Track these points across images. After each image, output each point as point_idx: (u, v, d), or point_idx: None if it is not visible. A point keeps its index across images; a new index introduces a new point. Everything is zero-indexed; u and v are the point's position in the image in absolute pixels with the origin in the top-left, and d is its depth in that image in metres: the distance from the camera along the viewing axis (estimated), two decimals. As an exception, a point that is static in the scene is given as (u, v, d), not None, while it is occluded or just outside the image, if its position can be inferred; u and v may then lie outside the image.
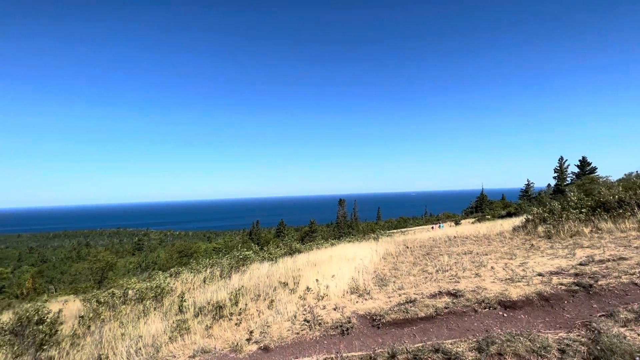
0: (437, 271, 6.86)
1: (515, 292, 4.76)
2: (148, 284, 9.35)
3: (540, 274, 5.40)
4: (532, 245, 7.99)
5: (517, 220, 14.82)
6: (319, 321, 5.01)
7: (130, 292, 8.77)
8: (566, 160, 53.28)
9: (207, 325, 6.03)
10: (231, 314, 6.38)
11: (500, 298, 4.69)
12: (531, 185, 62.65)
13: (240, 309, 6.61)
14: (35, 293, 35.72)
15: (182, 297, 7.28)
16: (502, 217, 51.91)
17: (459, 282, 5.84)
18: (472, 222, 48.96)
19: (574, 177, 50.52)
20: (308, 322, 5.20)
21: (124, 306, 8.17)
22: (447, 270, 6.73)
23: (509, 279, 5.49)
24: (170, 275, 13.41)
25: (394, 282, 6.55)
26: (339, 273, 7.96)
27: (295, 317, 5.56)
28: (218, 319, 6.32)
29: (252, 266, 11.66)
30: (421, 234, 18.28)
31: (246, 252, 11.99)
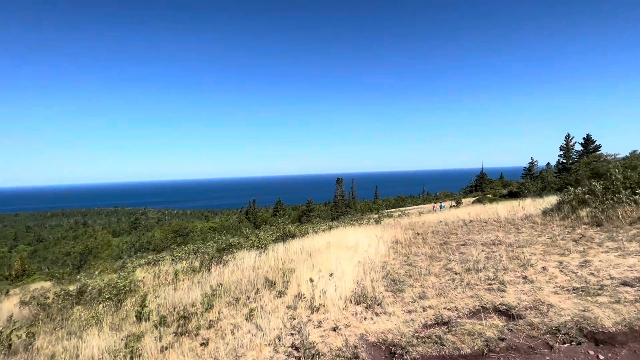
0: (466, 271, 5.29)
1: (605, 315, 3.18)
2: (113, 278, 7.85)
3: (625, 283, 3.82)
4: (582, 235, 6.41)
5: (536, 203, 13.28)
6: (313, 352, 3.45)
7: (93, 286, 7.25)
8: (573, 137, 51.47)
9: (163, 346, 4.50)
10: (198, 327, 4.85)
11: (584, 325, 3.11)
12: (535, 163, 61.06)
13: (211, 320, 5.07)
14: (25, 274, 34.58)
15: (143, 301, 5.76)
16: (503, 196, 50.70)
17: (504, 290, 4.26)
18: (472, 202, 47.74)
19: (577, 155, 48.93)
20: (297, 350, 3.65)
21: (77, 307, 6.67)
22: (481, 270, 5.16)
23: (578, 288, 3.91)
24: (148, 264, 11.96)
25: (412, 285, 4.98)
26: (339, 269, 6.42)
27: (279, 339, 4.00)
28: (181, 334, 4.80)
29: (238, 254, 10.14)
30: (428, 216, 16.78)
31: (231, 240, 10.43)
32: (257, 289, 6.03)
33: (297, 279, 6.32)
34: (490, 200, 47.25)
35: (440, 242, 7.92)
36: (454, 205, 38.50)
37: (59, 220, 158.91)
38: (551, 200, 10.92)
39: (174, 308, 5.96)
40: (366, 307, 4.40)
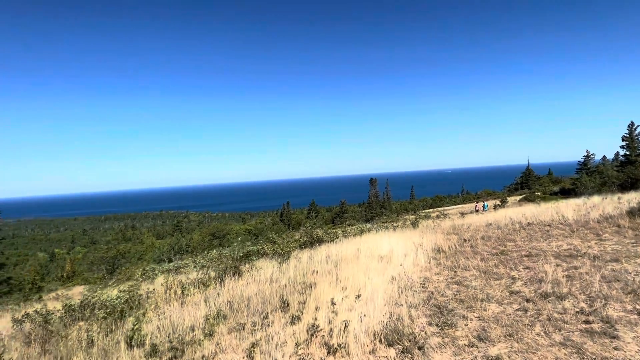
0: (542, 297, 3.84)
1: None
2: (114, 292, 7.24)
3: None
4: None
5: (604, 202, 11.06)
6: None
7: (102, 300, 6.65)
8: (637, 126, 45.56)
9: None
10: (189, 364, 3.89)
11: None
12: (591, 156, 55.02)
13: (204, 356, 4.08)
14: (75, 276, 36.63)
15: (135, 325, 4.93)
16: (554, 193, 46.13)
17: (615, 335, 2.82)
18: (519, 200, 43.79)
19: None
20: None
21: (80, 324, 6.05)
22: (565, 297, 3.69)
23: None
24: (169, 271, 11.45)
25: (466, 317, 3.64)
26: (368, 286, 5.20)
27: (281, 396, 2.88)
28: (169, 371, 3.88)
29: (258, 263, 9.22)
30: (472, 218, 14.92)
31: (250, 247, 9.53)
32: (266, 314, 4.96)
33: (317, 299, 5.19)
34: (541, 199, 43.09)
35: (495, 252, 6.40)
36: (498, 205, 35.21)
37: (111, 223, 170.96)
38: (632, 197, 8.84)
39: (173, 331, 5.09)
40: (402, 352, 3.15)
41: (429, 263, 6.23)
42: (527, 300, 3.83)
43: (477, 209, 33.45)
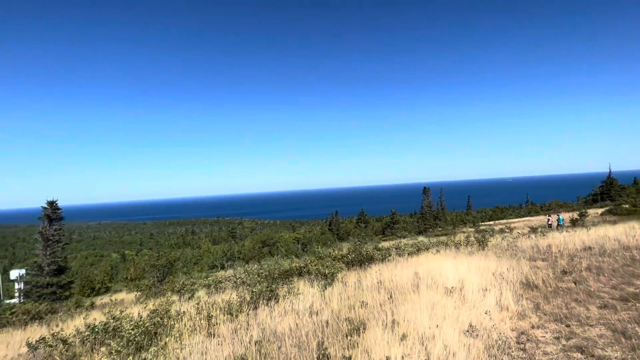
0: None
1: None
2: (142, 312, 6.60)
3: None
4: None
5: None
6: None
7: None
8: None
9: None
10: None
11: None
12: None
13: None
14: (138, 278, 39.06)
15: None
16: (649, 206, 39.02)
17: None
18: (602, 214, 37.61)
19: None
20: None
21: (110, 342, 5.45)
22: None
23: None
24: (208, 286, 10.88)
25: None
26: (437, 342, 3.78)
27: None
28: None
29: (298, 284, 8.13)
30: (554, 236, 12.32)
31: (287, 265, 8.47)
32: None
33: (367, 351, 3.89)
34: (630, 212, 36.65)
35: (622, 295, 4.53)
36: (577, 219, 30.29)
37: (174, 228, 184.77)
38: None
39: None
40: None
41: (521, 305, 4.58)
42: None
43: (550, 223, 29.07)
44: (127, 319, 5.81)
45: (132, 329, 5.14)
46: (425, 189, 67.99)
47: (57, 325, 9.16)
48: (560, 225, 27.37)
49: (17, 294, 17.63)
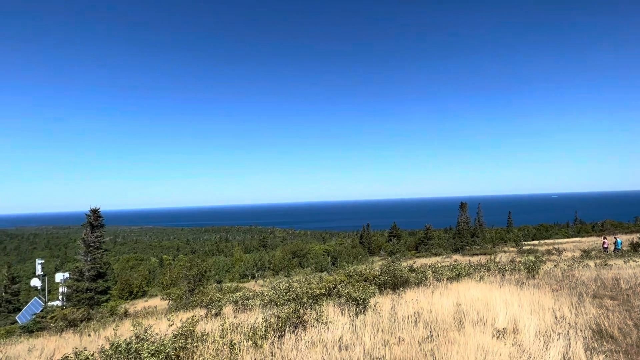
0: None
1: None
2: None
3: None
4: None
5: None
6: None
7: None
8: None
9: None
10: None
11: None
12: None
13: None
14: (171, 284, 40.27)
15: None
16: None
17: None
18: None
19: None
20: None
21: None
22: None
23: None
24: (236, 302, 10.64)
25: None
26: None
27: None
28: None
29: (327, 308, 7.61)
30: (620, 266, 10.81)
31: (317, 290, 7.98)
32: None
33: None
34: None
35: None
36: (637, 243, 27.07)
37: (209, 235, 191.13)
38: None
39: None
40: None
41: (595, 363, 3.76)
42: None
43: (605, 246, 26.17)
44: (149, 341, 5.65)
45: (152, 356, 4.90)
46: (463, 204, 64.89)
47: (89, 335, 9.34)
48: (617, 249, 24.56)
49: (60, 297, 18.67)
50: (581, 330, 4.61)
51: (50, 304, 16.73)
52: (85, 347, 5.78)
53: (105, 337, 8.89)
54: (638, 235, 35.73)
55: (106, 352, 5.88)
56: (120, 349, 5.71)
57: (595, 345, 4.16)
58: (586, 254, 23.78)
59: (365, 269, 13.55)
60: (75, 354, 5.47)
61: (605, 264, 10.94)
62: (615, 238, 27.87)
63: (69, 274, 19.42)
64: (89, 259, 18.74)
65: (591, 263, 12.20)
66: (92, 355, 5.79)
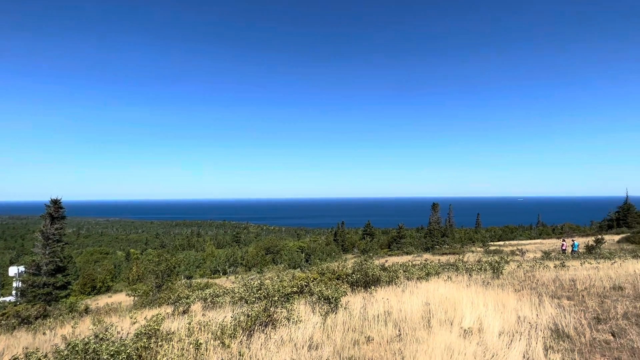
0: None
1: None
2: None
3: None
4: None
5: None
6: None
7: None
8: None
9: None
10: None
11: None
12: None
13: None
14: (138, 279, 38.77)
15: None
16: (670, 236, 37.37)
17: None
18: (618, 242, 36.12)
19: None
20: None
21: None
22: None
23: None
24: (205, 299, 10.36)
25: None
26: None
27: None
28: None
29: (299, 307, 7.55)
30: (576, 267, 11.52)
31: (289, 288, 7.91)
32: None
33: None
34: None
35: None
36: (592, 245, 28.97)
37: (181, 229, 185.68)
38: None
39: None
40: None
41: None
42: None
43: (564, 248, 27.93)
44: (110, 341, 5.34)
45: (111, 357, 4.64)
46: (435, 205, 66.81)
47: (44, 333, 8.75)
48: (574, 252, 26.19)
49: (14, 292, 17.42)
50: (541, 330, 4.82)
51: (1, 299, 15.59)
52: (37, 348, 5.39)
53: (62, 335, 8.38)
54: (593, 238, 38.33)
55: (61, 353, 5.53)
56: (77, 349, 5.39)
57: (553, 344, 4.36)
58: (546, 255, 25.15)
59: (338, 267, 13.62)
60: (26, 354, 5.08)
61: (563, 266, 11.60)
62: (572, 240, 29.68)
63: (25, 267, 18.13)
64: (47, 252, 17.55)
65: (551, 264, 12.90)
66: (46, 355, 5.43)
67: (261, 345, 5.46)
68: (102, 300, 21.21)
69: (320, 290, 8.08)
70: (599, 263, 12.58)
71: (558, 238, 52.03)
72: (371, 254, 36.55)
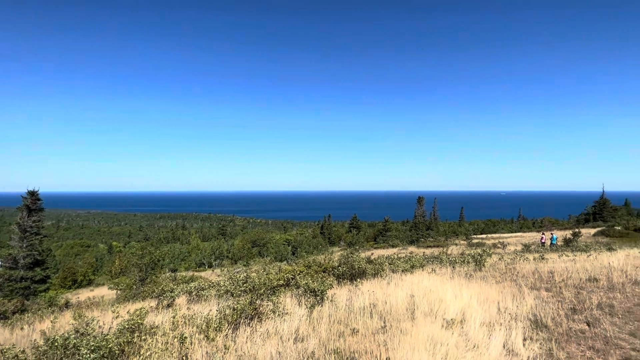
0: None
1: None
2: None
3: None
4: None
5: None
6: None
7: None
8: None
9: None
10: None
11: None
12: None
13: None
14: (121, 273, 38.06)
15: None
16: (638, 230, 39.15)
17: None
18: (594, 235, 37.63)
19: None
20: None
21: None
22: None
23: None
24: (190, 293, 10.26)
25: None
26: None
27: None
28: None
29: (285, 299, 7.57)
30: (555, 259, 11.95)
31: (275, 282, 7.90)
32: None
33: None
34: (623, 235, 36.65)
35: (643, 345, 4.05)
36: (569, 238, 30.09)
37: (165, 221, 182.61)
38: None
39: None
40: None
41: (532, 351, 4.08)
42: None
43: (543, 241, 28.89)
44: (91, 336, 5.22)
45: (92, 352, 4.54)
46: (420, 198, 67.76)
47: (22, 329, 8.50)
48: (553, 244, 27.14)
49: (-11, 287, 16.85)
50: (521, 321, 4.97)
51: (-24, 294, 15.03)
52: (14, 344, 5.22)
53: (41, 330, 8.15)
54: (571, 231, 39.83)
55: (40, 349, 5.38)
56: (56, 344, 5.25)
57: (532, 334, 4.50)
58: (527, 248, 25.96)
59: (324, 260, 13.71)
60: (1, 350, 4.92)
61: (542, 258, 11.98)
62: (551, 234, 30.70)
63: (1, 261, 17.49)
64: (24, 245, 16.92)
65: (530, 257, 13.32)
66: (24, 351, 5.27)
67: (247, 338, 5.45)
68: (84, 294, 20.76)
69: (306, 283, 8.10)
70: (575, 256, 13.06)
71: (538, 231, 53.74)
72: (357, 247, 36.90)
